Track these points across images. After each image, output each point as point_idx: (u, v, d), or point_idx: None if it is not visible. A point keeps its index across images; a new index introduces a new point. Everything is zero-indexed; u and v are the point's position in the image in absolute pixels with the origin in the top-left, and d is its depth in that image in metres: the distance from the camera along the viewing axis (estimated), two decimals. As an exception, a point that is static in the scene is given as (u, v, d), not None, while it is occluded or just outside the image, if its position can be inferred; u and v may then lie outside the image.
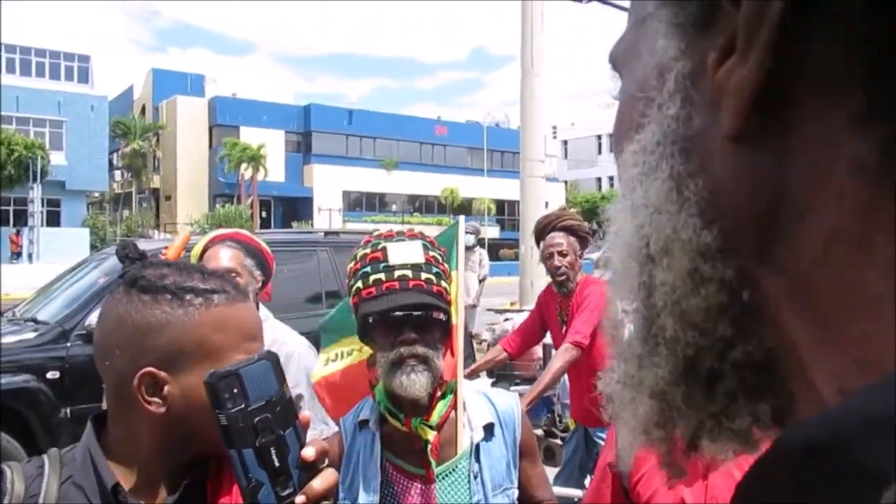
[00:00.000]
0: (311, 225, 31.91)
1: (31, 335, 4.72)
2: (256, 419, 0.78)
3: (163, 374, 0.96)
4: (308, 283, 5.91)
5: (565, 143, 55.77)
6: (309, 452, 0.80)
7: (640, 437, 0.38)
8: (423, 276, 1.50)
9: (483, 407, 1.65)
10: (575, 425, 3.81)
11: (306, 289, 5.92)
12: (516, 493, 1.62)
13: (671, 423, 0.36)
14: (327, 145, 41.37)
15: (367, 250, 1.55)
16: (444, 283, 1.54)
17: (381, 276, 1.49)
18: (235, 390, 0.78)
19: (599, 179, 52.45)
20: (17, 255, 26.83)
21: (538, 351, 5.37)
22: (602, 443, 3.33)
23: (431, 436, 1.52)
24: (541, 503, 1.68)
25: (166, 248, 2.99)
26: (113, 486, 0.94)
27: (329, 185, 39.78)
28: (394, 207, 42.34)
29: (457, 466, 1.56)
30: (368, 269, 1.51)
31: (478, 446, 1.58)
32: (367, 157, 42.42)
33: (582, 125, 54.30)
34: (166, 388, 0.96)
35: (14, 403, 4.43)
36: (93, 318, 4.51)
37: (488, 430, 1.61)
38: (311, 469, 0.81)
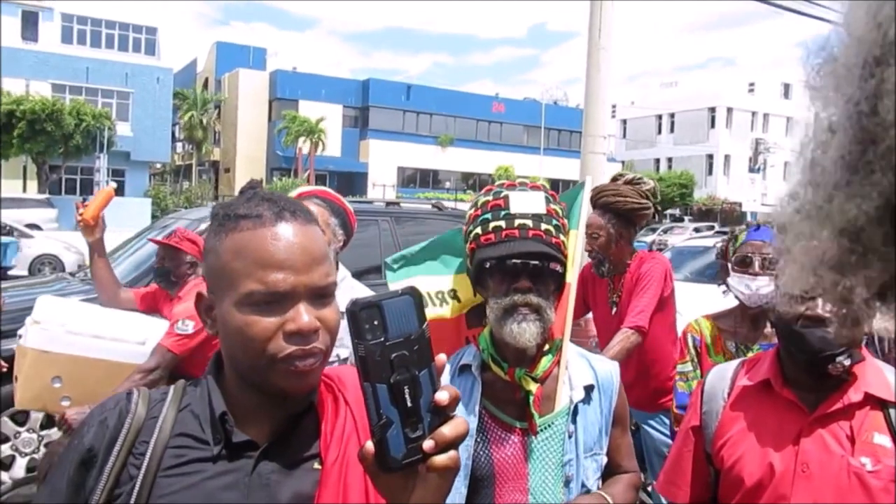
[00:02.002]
0: (366, 200, 32.00)
1: (101, 295, 4.87)
2: (394, 355, 0.75)
3: (210, 296, 1.00)
4: (367, 253, 5.89)
5: (624, 122, 54.64)
6: (443, 396, 0.77)
7: (809, 277, 0.34)
8: (543, 226, 1.47)
9: (584, 368, 1.62)
10: None
11: (365, 258, 5.90)
12: (605, 459, 1.59)
13: (854, 269, 0.32)
14: (384, 120, 41.44)
15: (489, 198, 1.54)
16: (562, 237, 1.51)
17: (502, 223, 1.48)
18: (376, 322, 0.75)
19: (658, 161, 51.28)
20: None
21: (593, 328, 5.26)
22: (649, 428, 3.25)
23: (534, 387, 1.50)
24: (626, 473, 1.65)
25: (85, 204, 2.90)
26: (221, 415, 0.96)
27: (384, 160, 39.92)
28: (447, 185, 42.26)
29: (553, 423, 1.53)
30: (489, 216, 1.50)
31: (576, 407, 1.55)
32: (423, 132, 42.38)
33: (642, 105, 53.05)
34: (214, 310, 0.99)
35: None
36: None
37: (588, 391, 1.57)
38: (443, 415, 0.77)
